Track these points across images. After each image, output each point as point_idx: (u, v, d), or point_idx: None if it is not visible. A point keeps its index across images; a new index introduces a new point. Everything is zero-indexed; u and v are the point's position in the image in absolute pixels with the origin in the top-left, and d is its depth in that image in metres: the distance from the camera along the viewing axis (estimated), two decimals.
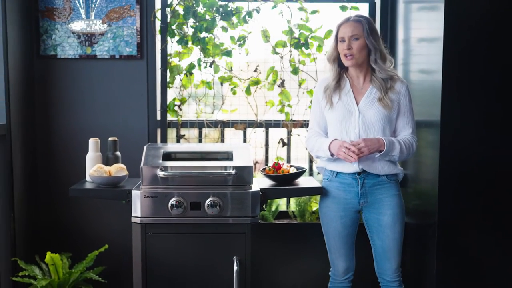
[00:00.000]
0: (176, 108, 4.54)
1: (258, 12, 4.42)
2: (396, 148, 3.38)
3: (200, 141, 4.64)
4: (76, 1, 4.34)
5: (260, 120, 4.59)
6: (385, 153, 3.37)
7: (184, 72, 4.50)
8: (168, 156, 3.73)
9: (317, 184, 3.75)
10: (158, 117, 4.51)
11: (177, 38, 4.46)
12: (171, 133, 4.61)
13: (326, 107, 3.55)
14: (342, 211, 3.54)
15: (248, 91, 4.52)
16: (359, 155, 3.30)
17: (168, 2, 4.45)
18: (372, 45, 3.43)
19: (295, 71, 4.48)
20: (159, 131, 4.52)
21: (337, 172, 3.54)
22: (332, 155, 3.44)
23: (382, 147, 3.35)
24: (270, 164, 4.02)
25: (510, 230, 3.51)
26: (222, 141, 4.63)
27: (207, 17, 4.41)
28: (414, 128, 3.49)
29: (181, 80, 4.53)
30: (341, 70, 3.55)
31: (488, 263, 3.54)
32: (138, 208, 3.48)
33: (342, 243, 3.59)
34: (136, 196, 3.48)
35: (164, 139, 4.56)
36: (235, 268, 3.45)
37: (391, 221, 3.48)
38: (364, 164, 3.45)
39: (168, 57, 4.50)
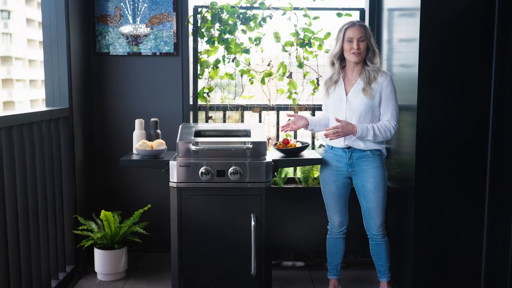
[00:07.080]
0: (205, 95, 4.55)
1: (271, 18, 4.43)
2: (369, 133, 3.41)
3: (224, 121, 4.64)
4: (125, 9, 4.37)
5: (272, 105, 4.60)
6: (359, 137, 3.43)
7: (211, 66, 4.50)
8: (198, 133, 3.74)
9: (318, 156, 3.77)
10: (191, 102, 4.54)
11: (205, 38, 4.47)
12: (201, 115, 4.61)
13: (325, 96, 3.62)
14: (335, 176, 3.61)
15: (262, 81, 4.54)
16: (335, 135, 3.40)
17: (199, 10, 4.45)
18: (371, 45, 3.46)
19: (300, 65, 4.49)
20: (191, 113, 4.55)
21: (332, 146, 3.62)
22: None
23: (355, 133, 3.40)
24: (280, 140, 4.05)
25: (472, 191, 3.48)
26: (242, 121, 4.63)
27: (230, 22, 4.42)
28: (394, 113, 3.48)
29: (209, 72, 4.52)
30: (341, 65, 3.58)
31: (455, 218, 3.52)
32: (174, 175, 3.51)
33: (336, 202, 3.64)
34: (173, 166, 3.50)
35: (195, 120, 4.56)
36: (252, 223, 3.49)
37: (373, 187, 3.52)
38: (349, 142, 3.52)
39: (199, 54, 4.50)
